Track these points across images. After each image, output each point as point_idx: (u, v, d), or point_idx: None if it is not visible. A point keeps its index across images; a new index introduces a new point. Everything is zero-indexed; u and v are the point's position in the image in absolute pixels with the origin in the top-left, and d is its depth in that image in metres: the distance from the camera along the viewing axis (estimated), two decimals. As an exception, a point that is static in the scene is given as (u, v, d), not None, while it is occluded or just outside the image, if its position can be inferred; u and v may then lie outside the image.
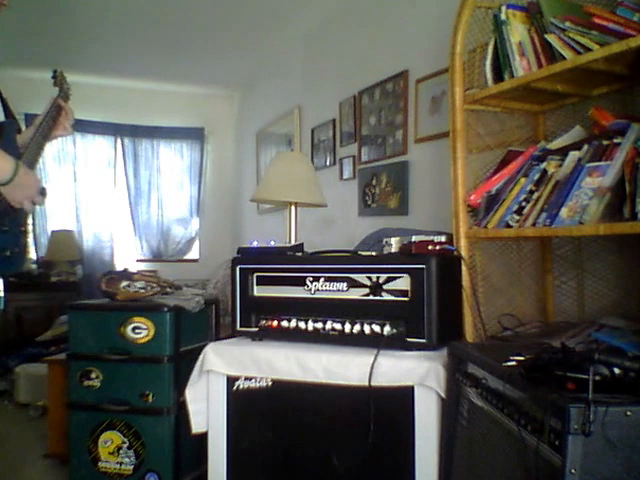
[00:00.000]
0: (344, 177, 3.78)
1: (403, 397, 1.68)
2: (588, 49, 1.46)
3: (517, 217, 1.64)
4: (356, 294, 1.83)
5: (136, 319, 2.39)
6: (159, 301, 2.47)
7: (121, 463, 2.42)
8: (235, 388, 1.91)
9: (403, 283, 1.75)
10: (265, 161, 5.22)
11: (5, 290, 1.69)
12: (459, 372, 1.52)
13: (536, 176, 1.65)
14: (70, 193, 5.75)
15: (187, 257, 6.19)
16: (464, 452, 1.50)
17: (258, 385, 1.88)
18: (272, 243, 2.11)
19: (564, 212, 1.48)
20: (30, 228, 5.63)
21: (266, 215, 5.15)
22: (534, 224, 1.57)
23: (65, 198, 5.73)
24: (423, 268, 1.70)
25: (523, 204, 1.64)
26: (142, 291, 2.52)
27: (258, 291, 2.01)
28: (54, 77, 1.90)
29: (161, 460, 2.38)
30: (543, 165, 1.65)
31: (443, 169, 2.23)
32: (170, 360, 2.38)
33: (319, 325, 1.86)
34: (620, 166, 1.40)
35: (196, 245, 6.23)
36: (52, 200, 5.67)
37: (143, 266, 5.76)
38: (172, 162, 6.13)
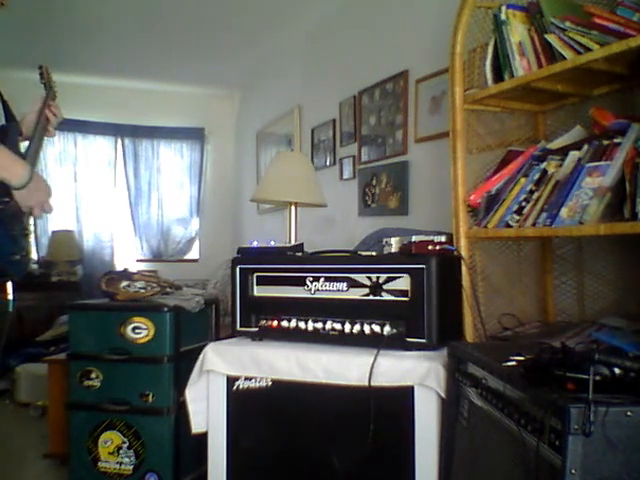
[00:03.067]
0: (344, 177, 3.78)
1: (403, 397, 1.68)
2: (588, 49, 1.46)
3: (517, 217, 1.64)
4: (356, 294, 1.83)
5: (136, 319, 2.39)
6: (159, 301, 2.47)
7: (121, 463, 2.42)
8: (235, 388, 1.91)
9: (403, 283, 1.75)
10: (265, 161, 5.22)
11: (14, 293, 1.70)
12: (459, 372, 1.52)
13: (536, 176, 1.65)
14: (70, 193, 5.76)
15: (187, 257, 6.19)
16: (464, 452, 1.50)
17: (258, 385, 1.88)
18: (272, 243, 2.11)
19: (564, 212, 1.48)
20: (31, 229, 5.62)
21: (266, 215, 5.15)
22: (534, 224, 1.57)
23: (65, 198, 5.73)
24: (423, 268, 1.70)
25: (523, 204, 1.64)
26: (142, 291, 2.52)
27: (258, 291, 2.01)
28: (40, 73, 1.84)
29: (161, 460, 2.38)
30: (543, 165, 1.65)
31: (443, 169, 2.22)
32: (170, 360, 2.38)
33: (319, 325, 1.86)
34: (620, 166, 1.40)
35: (196, 245, 6.23)
36: (53, 200, 5.66)
37: (143, 266, 5.76)
38: (172, 162, 6.14)
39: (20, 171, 1.52)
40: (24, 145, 1.72)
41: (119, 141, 5.95)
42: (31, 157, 1.64)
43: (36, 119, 1.73)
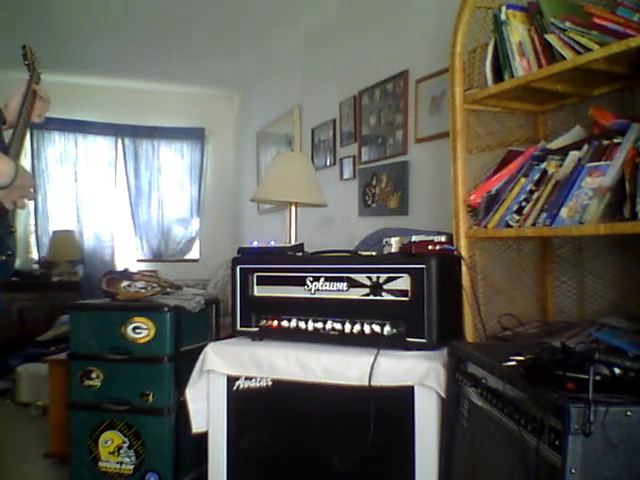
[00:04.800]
0: (344, 177, 3.78)
1: (403, 397, 1.68)
2: (588, 49, 1.46)
3: (517, 217, 1.64)
4: (356, 294, 1.83)
5: (136, 319, 2.39)
6: (159, 301, 2.47)
7: (121, 463, 2.42)
8: (235, 388, 1.91)
9: (403, 283, 1.75)
10: (265, 161, 5.22)
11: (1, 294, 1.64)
12: (459, 372, 1.52)
13: (536, 176, 1.65)
14: (71, 193, 5.76)
15: (187, 257, 6.19)
16: (464, 452, 1.50)
17: (258, 385, 1.88)
18: (272, 243, 2.11)
19: (564, 212, 1.48)
20: (32, 229, 5.64)
21: (266, 215, 5.15)
22: (534, 224, 1.57)
23: (66, 198, 5.74)
24: (423, 268, 1.70)
25: (523, 204, 1.64)
26: (143, 291, 2.52)
27: (258, 291, 2.02)
28: (23, 54, 1.74)
29: (161, 460, 2.38)
30: (543, 165, 1.66)
31: (443, 169, 2.23)
32: (170, 360, 2.38)
33: (319, 325, 1.86)
34: (620, 166, 1.40)
35: (196, 245, 6.23)
36: (53, 200, 5.69)
37: (143, 266, 5.76)
38: (172, 162, 6.14)
39: (5, 170, 1.42)
40: (8, 133, 1.62)
41: (119, 141, 5.95)
42: (15, 148, 1.54)
43: (20, 104, 1.64)
